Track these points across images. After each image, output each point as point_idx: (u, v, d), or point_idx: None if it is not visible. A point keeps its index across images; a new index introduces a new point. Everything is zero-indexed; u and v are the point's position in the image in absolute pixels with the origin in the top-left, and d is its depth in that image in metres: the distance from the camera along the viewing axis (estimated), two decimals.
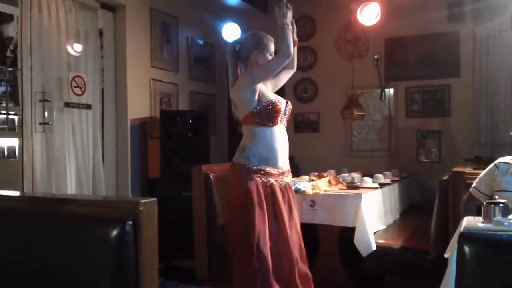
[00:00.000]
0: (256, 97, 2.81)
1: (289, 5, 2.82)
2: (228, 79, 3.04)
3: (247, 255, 2.72)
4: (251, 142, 2.82)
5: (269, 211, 2.78)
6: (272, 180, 2.82)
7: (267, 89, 2.99)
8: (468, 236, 1.61)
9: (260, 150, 2.81)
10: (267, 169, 2.81)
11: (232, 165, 2.88)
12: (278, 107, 2.85)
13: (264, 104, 2.81)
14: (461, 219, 2.63)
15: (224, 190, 4.23)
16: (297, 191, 3.75)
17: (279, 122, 2.88)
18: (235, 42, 3.08)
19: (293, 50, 2.89)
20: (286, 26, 2.78)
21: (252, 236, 2.69)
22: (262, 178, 2.78)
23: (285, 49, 2.76)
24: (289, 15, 2.81)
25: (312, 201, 3.72)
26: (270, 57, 2.94)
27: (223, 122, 6.53)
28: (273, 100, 2.85)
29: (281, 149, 2.88)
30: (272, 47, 2.97)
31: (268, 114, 2.80)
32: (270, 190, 2.80)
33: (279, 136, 2.88)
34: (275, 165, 2.84)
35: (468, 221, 2.31)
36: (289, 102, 3.03)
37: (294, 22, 2.89)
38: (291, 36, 2.82)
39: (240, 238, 2.77)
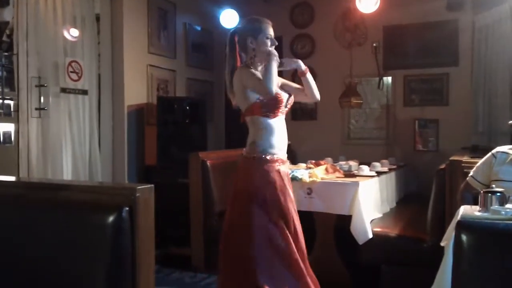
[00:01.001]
0: (253, 90, 2.79)
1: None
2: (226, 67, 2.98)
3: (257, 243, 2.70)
4: (260, 134, 2.81)
5: (290, 201, 2.82)
6: (283, 167, 2.84)
7: None
8: (465, 225, 1.61)
9: (270, 140, 2.81)
10: (279, 157, 2.82)
11: (248, 159, 2.83)
12: (280, 98, 2.82)
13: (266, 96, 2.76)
14: (457, 208, 2.63)
15: (220, 178, 4.24)
16: (294, 178, 3.74)
17: (280, 113, 2.86)
18: (234, 31, 3.02)
19: (308, 81, 2.97)
20: (270, 54, 2.75)
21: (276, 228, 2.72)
22: (278, 166, 2.80)
23: (264, 86, 2.68)
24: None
25: (309, 189, 3.72)
26: (267, 41, 2.86)
27: (220, 109, 6.51)
28: (280, 96, 2.83)
29: (283, 139, 2.89)
30: (269, 31, 2.89)
31: (270, 106, 2.78)
32: (283, 177, 2.83)
33: (282, 127, 2.88)
34: (283, 154, 2.87)
35: (465, 210, 2.31)
36: (292, 96, 2.99)
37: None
38: (274, 68, 2.74)
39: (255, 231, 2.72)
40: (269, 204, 2.74)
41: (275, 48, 2.91)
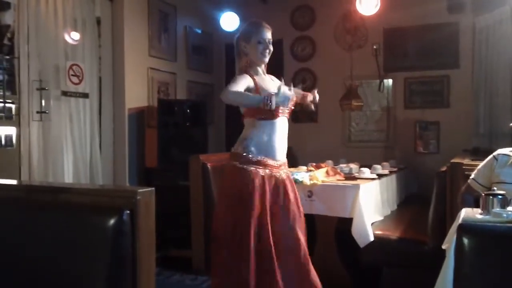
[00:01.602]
0: (253, 94, 2.71)
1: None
2: (226, 68, 2.96)
3: (237, 246, 2.65)
4: (251, 133, 2.75)
5: (265, 202, 2.72)
6: (268, 171, 2.75)
7: (266, 80, 2.88)
8: (467, 228, 1.61)
9: (260, 141, 2.74)
10: (265, 160, 2.75)
11: (231, 154, 2.82)
12: (278, 109, 2.72)
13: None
14: (459, 210, 2.63)
15: (221, 180, 4.23)
16: (295, 181, 3.73)
17: (280, 114, 2.79)
18: (235, 36, 2.94)
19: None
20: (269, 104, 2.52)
21: (244, 227, 2.64)
22: (259, 169, 2.72)
23: (224, 94, 2.62)
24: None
25: (310, 192, 3.72)
26: (258, 45, 2.76)
27: (220, 111, 6.51)
28: (269, 92, 2.68)
29: (280, 142, 2.81)
30: (263, 34, 2.78)
31: (264, 111, 2.61)
32: (265, 181, 2.73)
33: (280, 129, 2.81)
34: (273, 157, 2.78)
35: (466, 213, 2.31)
36: (293, 94, 2.89)
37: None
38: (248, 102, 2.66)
39: (231, 229, 2.68)
40: (243, 203, 2.67)
41: (272, 52, 2.84)
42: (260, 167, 2.72)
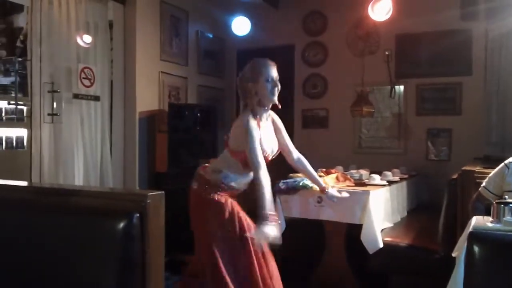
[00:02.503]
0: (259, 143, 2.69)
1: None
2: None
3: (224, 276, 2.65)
4: (230, 171, 2.78)
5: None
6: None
7: (266, 128, 2.84)
8: (477, 236, 1.60)
9: (239, 180, 2.81)
10: (236, 192, 2.84)
11: (202, 179, 2.80)
12: (267, 159, 2.76)
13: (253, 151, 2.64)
14: (469, 218, 2.60)
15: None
16: (305, 187, 3.73)
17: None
18: (239, 75, 2.87)
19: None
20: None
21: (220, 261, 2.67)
22: (232, 198, 2.80)
23: (251, 158, 2.59)
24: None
25: (319, 198, 3.70)
26: (267, 84, 2.70)
27: (231, 116, 6.51)
28: (266, 153, 2.75)
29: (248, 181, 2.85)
30: (270, 72, 2.73)
31: (245, 159, 2.67)
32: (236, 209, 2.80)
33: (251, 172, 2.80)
34: (241, 190, 2.87)
35: (477, 221, 2.28)
36: (277, 150, 2.92)
37: None
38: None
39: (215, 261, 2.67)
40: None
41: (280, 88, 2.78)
42: (232, 194, 2.82)
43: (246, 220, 2.79)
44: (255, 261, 2.70)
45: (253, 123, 2.67)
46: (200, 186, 2.80)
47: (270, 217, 2.48)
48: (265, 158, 2.71)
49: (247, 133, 2.62)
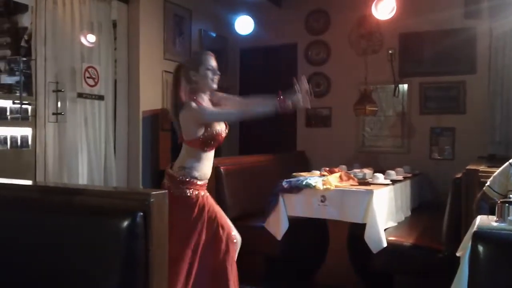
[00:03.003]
0: (204, 128, 2.89)
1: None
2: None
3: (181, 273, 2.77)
4: (194, 163, 2.92)
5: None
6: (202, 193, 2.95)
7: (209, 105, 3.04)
8: (482, 235, 1.59)
9: (202, 169, 2.94)
10: (203, 182, 2.96)
11: (172, 178, 2.93)
12: (221, 137, 2.99)
13: (209, 133, 2.89)
14: (474, 217, 2.60)
15: (233, 184, 4.24)
16: (308, 186, 3.73)
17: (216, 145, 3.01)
18: (179, 66, 3.11)
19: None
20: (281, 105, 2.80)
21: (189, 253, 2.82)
22: (201, 192, 2.93)
23: (240, 116, 2.99)
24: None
25: (323, 197, 3.71)
26: (208, 72, 2.96)
27: None
28: (218, 131, 2.95)
29: (210, 168, 3.04)
30: (210, 62, 3.00)
31: (211, 143, 2.92)
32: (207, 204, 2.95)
33: (212, 157, 3.04)
34: (206, 179, 3.00)
35: (482, 220, 2.28)
36: (227, 128, 3.09)
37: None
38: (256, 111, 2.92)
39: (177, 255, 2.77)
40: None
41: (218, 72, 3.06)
42: (201, 189, 2.95)
43: (221, 217, 2.97)
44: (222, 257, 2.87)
45: (201, 101, 2.93)
46: (170, 184, 2.92)
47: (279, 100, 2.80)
48: (220, 136, 2.96)
49: (198, 110, 2.85)
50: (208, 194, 3.00)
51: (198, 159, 2.92)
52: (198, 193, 2.91)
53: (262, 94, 2.98)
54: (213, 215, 2.94)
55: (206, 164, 2.96)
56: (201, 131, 2.86)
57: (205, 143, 2.89)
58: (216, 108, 3.00)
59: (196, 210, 2.87)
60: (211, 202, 2.99)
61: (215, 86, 3.03)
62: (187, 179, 2.88)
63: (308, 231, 4.21)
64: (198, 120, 2.86)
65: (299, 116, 6.23)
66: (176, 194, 2.84)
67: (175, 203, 2.76)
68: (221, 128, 2.99)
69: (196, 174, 2.90)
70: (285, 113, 2.85)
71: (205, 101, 2.99)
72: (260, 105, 2.93)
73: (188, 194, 2.87)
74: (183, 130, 2.94)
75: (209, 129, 2.88)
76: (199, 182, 2.92)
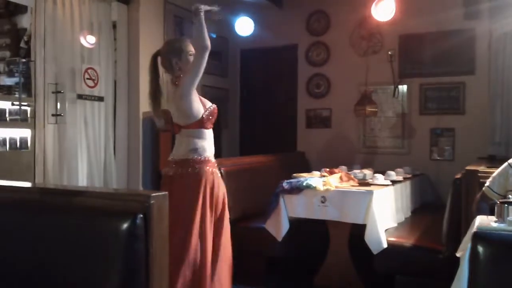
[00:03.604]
0: (201, 104, 3.03)
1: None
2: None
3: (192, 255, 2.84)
4: (202, 143, 3.01)
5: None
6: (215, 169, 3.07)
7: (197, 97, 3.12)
8: (482, 236, 1.60)
9: (210, 147, 3.06)
10: (213, 160, 3.07)
11: (184, 162, 2.98)
12: (216, 110, 3.12)
13: (208, 109, 3.04)
14: (473, 218, 2.60)
15: (234, 184, 4.24)
16: (308, 187, 3.73)
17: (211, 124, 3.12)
18: (155, 54, 3.16)
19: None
20: (199, 10, 2.96)
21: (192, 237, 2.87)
22: (214, 169, 3.04)
23: (202, 42, 2.94)
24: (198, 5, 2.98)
25: (323, 197, 3.70)
26: (190, 58, 3.05)
27: (235, 116, 6.52)
28: (213, 106, 3.10)
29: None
30: (189, 48, 3.09)
31: (212, 118, 3.06)
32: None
33: (212, 133, 3.14)
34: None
35: (481, 221, 2.28)
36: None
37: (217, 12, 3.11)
38: (203, 24, 2.97)
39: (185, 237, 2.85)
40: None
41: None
42: (213, 168, 3.04)
43: (224, 199, 3.07)
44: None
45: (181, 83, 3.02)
46: (180, 169, 2.97)
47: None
48: (215, 110, 3.10)
49: (191, 72, 2.98)
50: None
51: (205, 138, 3.01)
52: (213, 170, 3.00)
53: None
54: (222, 192, 3.07)
55: (211, 142, 3.06)
56: (201, 109, 2.98)
57: (208, 120, 3.01)
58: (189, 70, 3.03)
59: (213, 184, 2.98)
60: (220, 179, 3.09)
61: None
62: (202, 159, 2.96)
63: (309, 232, 4.21)
64: (193, 85, 2.98)
65: (300, 117, 6.24)
66: (191, 173, 2.92)
67: (187, 183, 2.92)
68: (211, 104, 3.12)
69: (207, 153, 3.00)
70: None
71: None
72: (197, 32, 2.99)
73: (206, 171, 2.95)
74: (181, 116, 3.02)
75: (205, 105, 3.04)
76: (212, 160, 3.02)
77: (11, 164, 4.71)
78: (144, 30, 4.94)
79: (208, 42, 2.94)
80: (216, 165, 3.08)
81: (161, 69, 3.17)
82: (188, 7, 5.52)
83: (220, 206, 3.04)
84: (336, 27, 6.01)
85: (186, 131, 3.02)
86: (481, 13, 5.16)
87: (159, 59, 3.13)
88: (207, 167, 2.97)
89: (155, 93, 3.10)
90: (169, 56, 3.06)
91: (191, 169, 2.93)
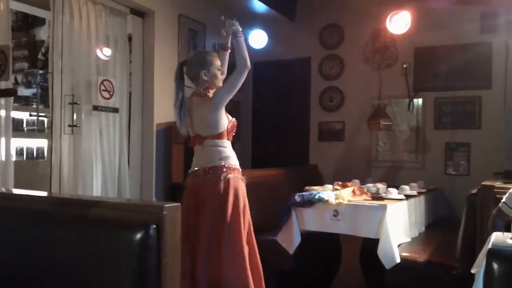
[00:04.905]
0: (226, 117, 3.14)
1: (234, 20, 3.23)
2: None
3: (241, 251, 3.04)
4: (229, 153, 3.15)
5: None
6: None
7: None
8: (497, 253, 1.58)
9: (235, 157, 3.19)
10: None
11: (217, 168, 3.08)
12: (235, 124, 3.23)
13: (231, 122, 3.18)
14: (489, 234, 2.56)
15: (248, 198, 4.24)
16: (320, 200, 3.72)
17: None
18: (182, 63, 3.26)
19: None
20: (239, 33, 3.18)
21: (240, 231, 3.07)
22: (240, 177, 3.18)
23: (243, 61, 3.09)
24: (236, 24, 3.19)
25: (335, 211, 3.69)
26: (217, 72, 3.18)
27: (247, 128, 6.53)
28: (233, 119, 3.22)
29: None
30: (218, 62, 3.21)
31: (233, 131, 3.20)
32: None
33: None
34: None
35: (497, 237, 2.25)
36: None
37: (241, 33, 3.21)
38: (244, 45, 3.15)
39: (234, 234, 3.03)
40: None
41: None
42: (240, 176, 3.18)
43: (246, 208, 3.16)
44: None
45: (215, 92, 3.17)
46: (213, 174, 3.07)
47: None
48: (235, 123, 3.22)
49: (226, 88, 3.11)
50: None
51: (230, 149, 3.15)
52: (242, 178, 3.17)
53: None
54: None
55: (234, 153, 3.19)
56: (226, 122, 3.11)
57: (231, 132, 3.15)
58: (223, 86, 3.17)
59: (244, 190, 3.15)
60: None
61: (222, 83, 3.23)
62: (232, 167, 3.10)
63: (321, 245, 4.18)
64: (227, 99, 3.09)
65: (312, 130, 6.23)
66: (224, 178, 3.04)
67: (224, 187, 3.03)
68: (232, 117, 3.23)
69: (234, 162, 3.14)
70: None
71: None
72: (239, 52, 3.14)
73: (236, 177, 3.10)
74: (206, 127, 3.11)
75: (229, 119, 3.16)
76: (236, 168, 3.14)
77: (27, 173, 4.77)
78: (159, 43, 4.99)
79: (249, 63, 3.08)
80: (240, 175, 3.20)
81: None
82: (202, 20, 5.62)
83: (248, 212, 3.16)
84: (350, 40, 6.02)
85: (212, 141, 3.10)
86: (498, 27, 5.14)
87: (184, 68, 3.21)
88: (237, 175, 3.11)
89: (182, 101, 3.15)
90: (198, 68, 3.15)
91: (224, 174, 3.04)
